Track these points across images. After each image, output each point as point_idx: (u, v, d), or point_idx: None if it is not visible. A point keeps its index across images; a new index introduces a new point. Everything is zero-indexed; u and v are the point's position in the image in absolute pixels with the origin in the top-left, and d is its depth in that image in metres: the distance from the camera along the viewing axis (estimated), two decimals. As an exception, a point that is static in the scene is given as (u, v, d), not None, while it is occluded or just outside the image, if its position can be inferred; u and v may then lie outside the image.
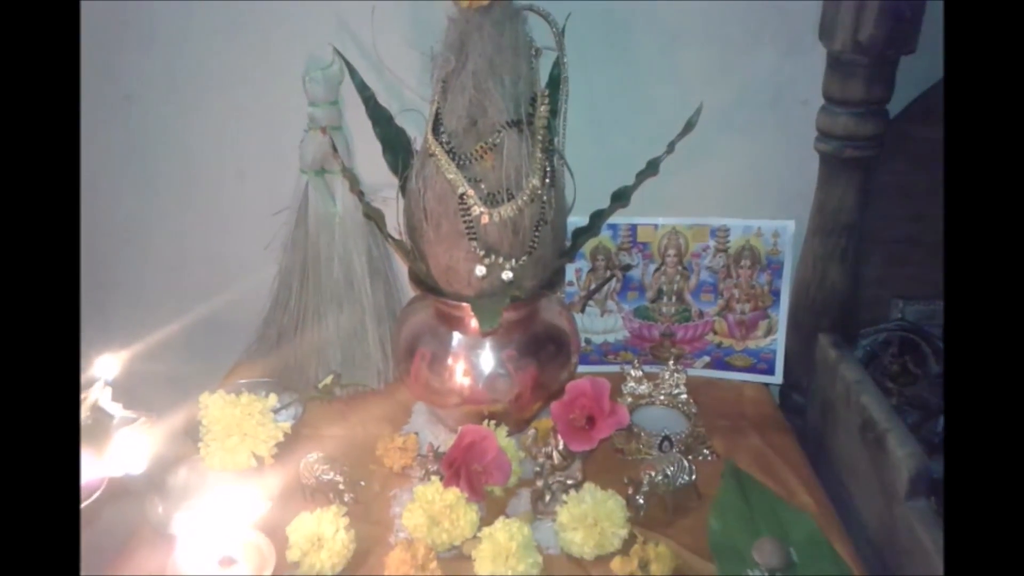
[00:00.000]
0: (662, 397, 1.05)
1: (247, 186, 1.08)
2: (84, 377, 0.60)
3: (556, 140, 0.90)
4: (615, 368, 1.10)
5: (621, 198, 0.94)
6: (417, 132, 0.96)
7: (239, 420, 0.86)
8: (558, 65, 0.91)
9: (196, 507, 0.69)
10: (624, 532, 0.83)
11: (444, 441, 0.93)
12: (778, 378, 1.12)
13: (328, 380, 1.00)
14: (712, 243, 1.10)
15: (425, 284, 0.92)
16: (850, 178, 1.00)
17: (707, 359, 1.14)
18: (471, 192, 0.84)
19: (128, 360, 0.69)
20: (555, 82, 0.92)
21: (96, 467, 0.56)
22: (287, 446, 0.91)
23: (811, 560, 0.82)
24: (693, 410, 1.03)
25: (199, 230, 1.11)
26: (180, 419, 0.82)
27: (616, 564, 0.81)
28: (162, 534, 0.81)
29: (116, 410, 0.59)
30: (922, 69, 0.96)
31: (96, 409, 0.59)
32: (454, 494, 0.83)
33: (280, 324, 1.06)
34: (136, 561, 0.78)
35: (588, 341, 1.13)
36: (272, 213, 1.05)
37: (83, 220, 1.10)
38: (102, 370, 0.60)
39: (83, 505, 0.56)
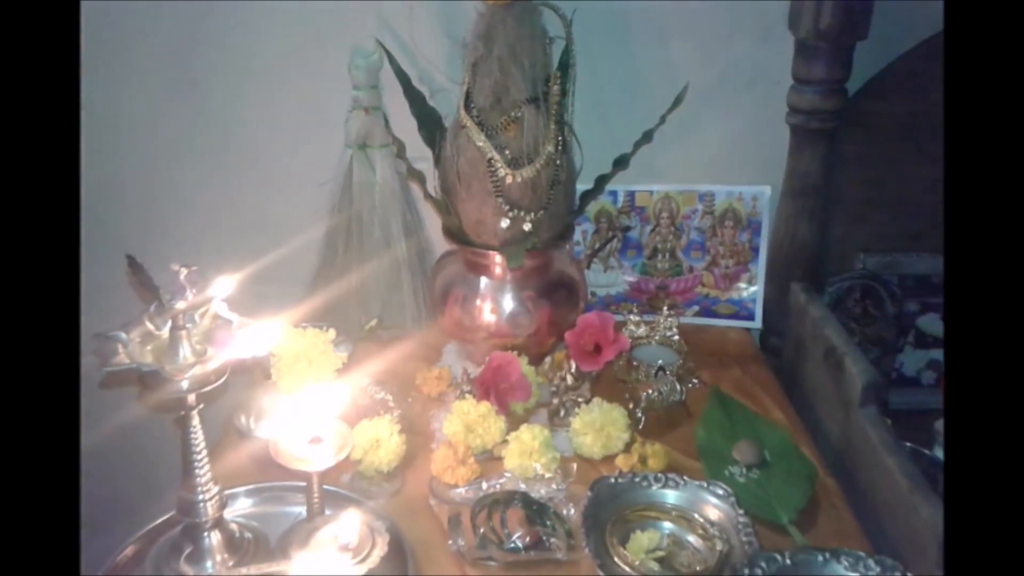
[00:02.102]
0: (657, 338, 1.21)
1: (298, 159, 1.24)
2: (201, 296, 0.76)
3: (566, 115, 1.07)
4: (617, 317, 1.27)
5: (621, 163, 1.10)
6: (446, 111, 1.13)
7: (305, 350, 1.03)
8: (567, 52, 1.08)
9: (277, 415, 0.86)
10: (626, 436, 1.00)
11: (473, 372, 1.10)
12: (758, 323, 1.29)
13: (373, 323, 1.17)
14: (700, 207, 1.27)
15: (457, 236, 1.09)
16: (816, 147, 1.17)
17: (696, 308, 1.31)
18: (497, 157, 1.01)
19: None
20: (565, 66, 1.08)
21: (224, 353, 0.72)
22: (340, 375, 1.08)
23: (782, 460, 0.99)
24: (684, 348, 1.20)
25: (256, 197, 1.26)
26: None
27: (620, 460, 0.98)
28: (247, 437, 0.99)
29: (234, 317, 0.75)
30: (874, 53, 1.13)
31: (216, 317, 0.76)
32: (486, 406, 1.00)
33: (328, 278, 1.22)
34: (228, 453, 0.95)
35: (593, 294, 1.30)
36: (320, 183, 1.21)
37: (154, 189, 1.28)
38: (218, 288, 0.76)
39: (211, 387, 0.73)
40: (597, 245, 1.28)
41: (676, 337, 1.21)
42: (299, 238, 1.22)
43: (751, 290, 1.28)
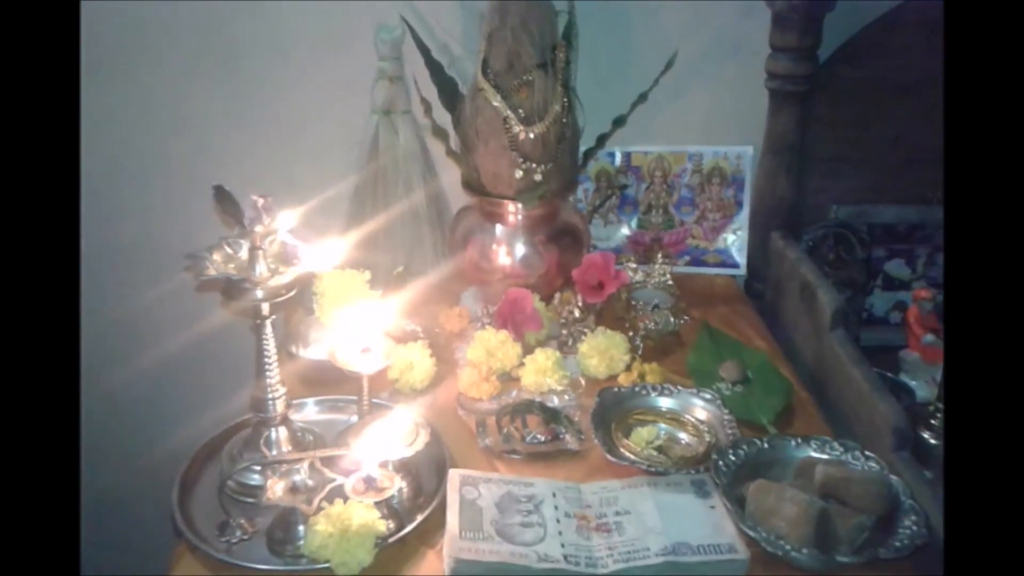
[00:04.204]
0: (653, 282, 1.36)
1: (329, 125, 1.37)
2: (267, 228, 0.89)
3: (571, 80, 1.21)
4: (618, 267, 1.41)
5: (619, 123, 1.25)
6: (463, 78, 1.27)
7: (345, 288, 1.16)
8: (571, 24, 1.22)
9: (333, 330, 1.00)
10: (627, 358, 1.14)
11: (492, 309, 1.24)
12: (742, 270, 1.43)
13: (400, 269, 1.31)
14: (690, 166, 1.42)
15: (475, 188, 1.23)
16: (791, 109, 1.32)
17: (687, 258, 1.45)
18: (512, 116, 1.15)
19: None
20: (568, 37, 1.22)
21: (290, 273, 0.86)
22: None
23: (762, 377, 1.14)
24: (677, 292, 1.34)
25: (291, 160, 1.39)
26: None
27: (622, 377, 1.12)
28: (296, 360, 1.13)
29: (298, 243, 0.89)
30: (843, 24, 1.28)
31: (283, 244, 0.90)
32: (504, 334, 1.14)
33: (356, 232, 1.36)
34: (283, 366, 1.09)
35: (594, 246, 1.44)
36: (349, 146, 1.35)
37: (199, 152, 1.41)
38: (283, 221, 0.90)
39: (282, 298, 0.87)
40: (598, 202, 1.43)
41: (670, 282, 1.35)
42: (330, 197, 1.36)
43: (736, 240, 1.43)
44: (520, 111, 1.16)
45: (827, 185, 1.38)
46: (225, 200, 0.82)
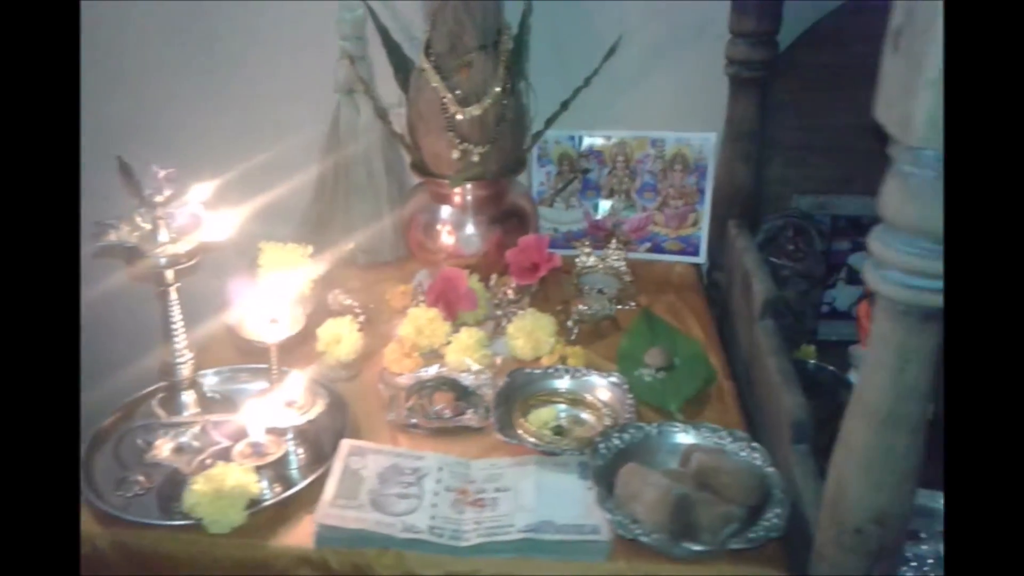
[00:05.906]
0: (602, 267, 1.36)
1: (295, 106, 1.42)
2: (177, 194, 0.93)
3: (523, 64, 1.21)
4: (573, 251, 1.41)
5: (565, 106, 1.25)
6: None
7: (286, 262, 1.20)
8: (528, 9, 1.22)
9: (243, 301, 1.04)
10: (552, 340, 1.15)
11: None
12: (702, 258, 1.42)
13: (351, 246, 1.34)
14: (652, 151, 1.40)
15: (421, 169, 1.25)
16: (750, 95, 1.29)
17: (648, 245, 1.44)
18: (449, 96, 1.16)
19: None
20: (525, 21, 1.23)
21: (188, 242, 0.90)
22: (316, 287, 1.25)
23: (687, 365, 1.13)
24: (628, 277, 1.34)
25: (260, 138, 1.44)
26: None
27: (545, 359, 1.13)
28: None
29: (206, 215, 0.93)
30: (805, 9, 1.25)
31: (192, 215, 0.94)
32: (434, 312, 1.16)
33: (319, 210, 1.40)
34: (216, 347, 1.13)
35: (556, 230, 1.44)
36: (316, 125, 1.38)
37: (179, 136, 1.47)
38: (195, 193, 0.94)
39: (185, 266, 0.91)
40: (560, 185, 1.43)
41: (623, 268, 1.35)
42: (295, 174, 1.40)
43: (697, 229, 1.41)
44: (458, 92, 1.17)
45: (790, 174, 1.35)
46: (126, 172, 0.86)
